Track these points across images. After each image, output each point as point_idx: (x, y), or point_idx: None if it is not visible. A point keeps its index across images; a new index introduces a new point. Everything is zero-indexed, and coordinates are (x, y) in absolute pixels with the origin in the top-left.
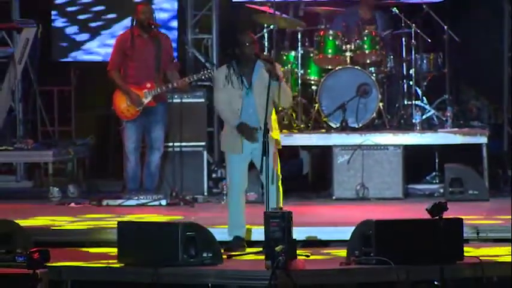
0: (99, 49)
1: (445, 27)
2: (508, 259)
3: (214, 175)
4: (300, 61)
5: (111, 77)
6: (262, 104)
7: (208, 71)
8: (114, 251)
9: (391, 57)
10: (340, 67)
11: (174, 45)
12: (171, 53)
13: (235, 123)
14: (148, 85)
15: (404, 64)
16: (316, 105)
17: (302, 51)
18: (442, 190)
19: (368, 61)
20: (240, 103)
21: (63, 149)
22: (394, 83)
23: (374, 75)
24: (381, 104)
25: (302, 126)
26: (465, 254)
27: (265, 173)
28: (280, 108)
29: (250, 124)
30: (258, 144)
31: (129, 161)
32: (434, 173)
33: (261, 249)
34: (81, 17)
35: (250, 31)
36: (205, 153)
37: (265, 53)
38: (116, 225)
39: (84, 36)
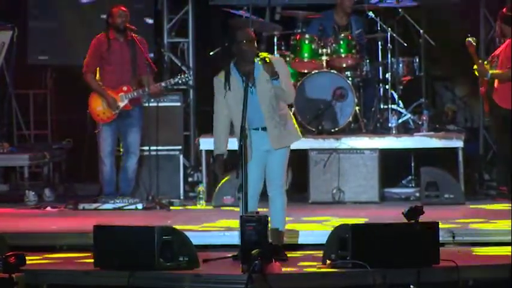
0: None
1: (421, 31)
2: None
3: (190, 179)
4: None
5: (86, 79)
6: (265, 102)
7: (185, 75)
8: (90, 255)
9: (367, 61)
10: (316, 71)
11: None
12: (147, 57)
13: (215, 151)
14: (125, 88)
15: (380, 68)
16: (293, 109)
17: (278, 55)
18: (418, 194)
19: (344, 65)
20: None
21: (39, 152)
22: (370, 87)
23: (350, 79)
24: (357, 108)
25: None
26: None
27: (241, 175)
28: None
29: (255, 124)
30: (268, 147)
31: (105, 164)
32: (410, 177)
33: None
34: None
35: (247, 28)
36: (181, 157)
37: (263, 53)
38: (92, 229)
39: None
